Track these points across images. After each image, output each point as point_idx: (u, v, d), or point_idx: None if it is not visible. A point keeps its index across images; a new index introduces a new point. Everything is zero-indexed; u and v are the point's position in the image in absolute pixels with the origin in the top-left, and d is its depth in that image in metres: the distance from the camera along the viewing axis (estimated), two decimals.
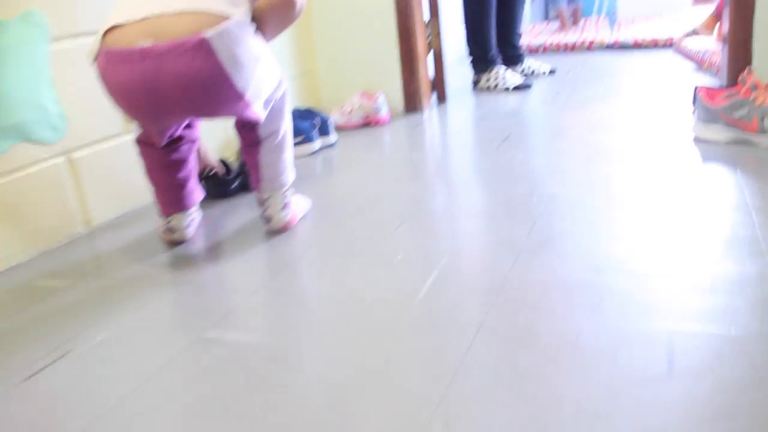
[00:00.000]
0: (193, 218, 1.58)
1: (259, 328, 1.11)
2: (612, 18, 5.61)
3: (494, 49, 3.21)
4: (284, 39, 2.65)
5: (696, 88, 2.14)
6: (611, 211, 1.47)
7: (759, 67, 2.35)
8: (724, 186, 1.56)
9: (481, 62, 3.20)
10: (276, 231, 1.56)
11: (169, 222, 1.53)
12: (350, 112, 2.65)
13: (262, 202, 1.55)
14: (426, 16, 2.85)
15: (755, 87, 1.88)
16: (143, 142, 1.50)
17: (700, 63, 3.19)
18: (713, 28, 3.47)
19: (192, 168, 1.56)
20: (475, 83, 3.26)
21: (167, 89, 1.26)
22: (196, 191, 1.58)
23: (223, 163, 1.91)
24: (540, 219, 1.47)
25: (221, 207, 1.80)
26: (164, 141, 1.46)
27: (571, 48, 4.33)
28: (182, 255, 1.49)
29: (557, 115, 2.48)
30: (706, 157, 1.80)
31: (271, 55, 1.42)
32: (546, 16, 6.15)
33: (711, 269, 1.15)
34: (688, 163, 1.77)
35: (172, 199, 1.52)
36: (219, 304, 1.21)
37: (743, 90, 1.90)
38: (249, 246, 1.49)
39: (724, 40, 2.49)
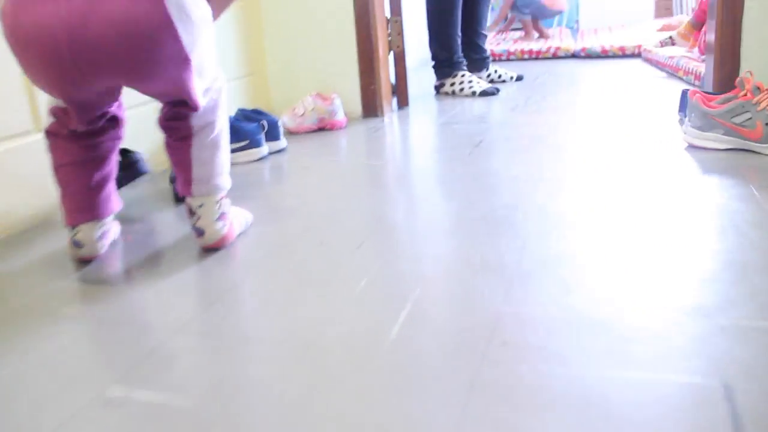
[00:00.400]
0: (107, 230, 1.30)
1: (180, 384, 0.84)
2: (574, 29, 5.48)
3: (459, 52, 2.98)
4: (230, 35, 2.38)
5: (686, 91, 1.93)
6: (613, 229, 1.24)
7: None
8: (736, 200, 1.34)
9: (445, 66, 2.97)
10: (209, 247, 1.29)
11: (75, 234, 1.25)
12: (303, 114, 2.38)
13: (192, 211, 1.28)
14: (387, 13, 2.61)
15: (758, 90, 1.68)
16: (54, 134, 1.22)
17: (674, 70, 3.03)
18: (690, 37, 3.31)
19: (111, 170, 1.29)
20: (438, 88, 3.04)
21: (98, 37, 1.01)
22: (114, 199, 1.30)
23: (124, 151, 1.62)
24: (530, 238, 1.22)
25: (144, 219, 1.52)
26: (84, 125, 1.19)
27: (535, 55, 4.16)
28: (91, 278, 1.21)
29: (531, 121, 2.26)
30: (706, 168, 1.59)
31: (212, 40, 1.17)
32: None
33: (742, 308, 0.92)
34: (687, 173, 1.56)
35: (81, 204, 1.24)
36: (130, 347, 0.94)
37: (743, 93, 1.70)
38: (175, 268, 1.22)
39: (709, 45, 2.31)
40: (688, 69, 2.82)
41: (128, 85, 1.16)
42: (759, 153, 1.68)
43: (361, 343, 0.90)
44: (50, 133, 1.23)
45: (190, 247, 1.31)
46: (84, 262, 1.27)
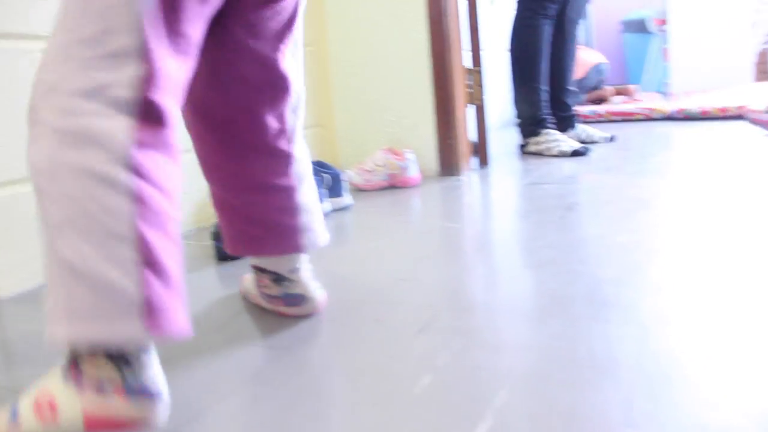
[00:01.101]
0: None
1: None
2: (665, 93, 5.16)
3: (545, 109, 2.73)
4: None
5: None
6: (756, 316, 0.93)
7: None
8: None
9: (529, 123, 2.72)
10: (312, 313, 1.06)
11: None
12: (372, 170, 2.16)
13: (283, 275, 1.04)
14: (467, 64, 2.39)
15: None
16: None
17: None
18: None
19: None
20: (522, 147, 2.78)
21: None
22: None
23: None
24: (651, 325, 0.93)
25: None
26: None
27: (626, 117, 3.86)
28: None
29: (631, 184, 1.96)
30: None
31: None
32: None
33: None
34: None
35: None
36: None
37: None
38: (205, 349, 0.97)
39: None
40: None
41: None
42: None
43: None
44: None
45: (209, 320, 1.07)
46: None
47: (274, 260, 1.02)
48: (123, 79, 0.69)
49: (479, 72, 2.38)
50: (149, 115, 0.71)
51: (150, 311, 0.65)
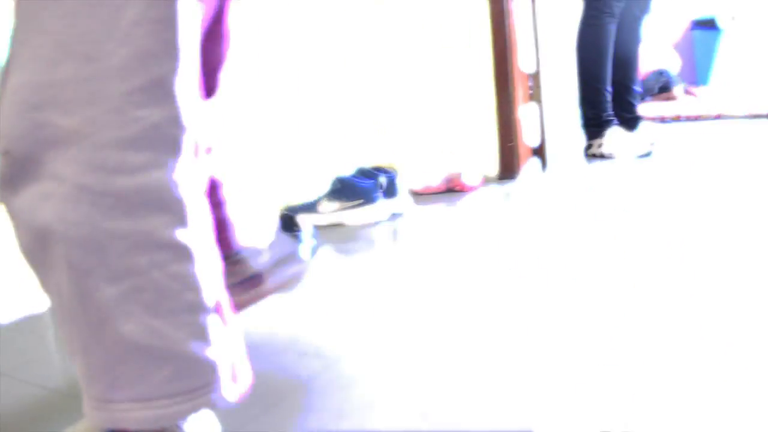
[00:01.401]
0: None
1: None
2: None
3: (609, 110, 2.65)
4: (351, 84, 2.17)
5: None
6: None
7: None
8: None
9: (592, 124, 2.64)
10: None
11: None
12: (430, 174, 2.12)
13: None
14: (533, 66, 2.33)
15: None
16: None
17: None
18: None
19: None
20: (587, 149, 2.70)
21: None
22: None
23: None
24: None
25: None
26: None
27: (692, 118, 3.73)
28: None
29: (715, 192, 1.86)
30: None
31: None
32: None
33: None
34: None
35: None
36: None
37: None
38: None
39: None
40: None
41: None
42: None
43: None
44: None
45: None
46: None
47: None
48: (172, 113, 0.57)
49: (538, 74, 2.33)
50: (198, 146, 0.61)
51: (232, 379, 0.62)
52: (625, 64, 2.73)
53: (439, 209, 1.93)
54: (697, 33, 5.17)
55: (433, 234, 1.61)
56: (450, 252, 1.43)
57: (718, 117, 3.69)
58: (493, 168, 2.26)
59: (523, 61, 2.29)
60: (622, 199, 1.82)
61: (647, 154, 2.50)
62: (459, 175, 2.11)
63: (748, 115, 3.57)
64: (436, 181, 2.11)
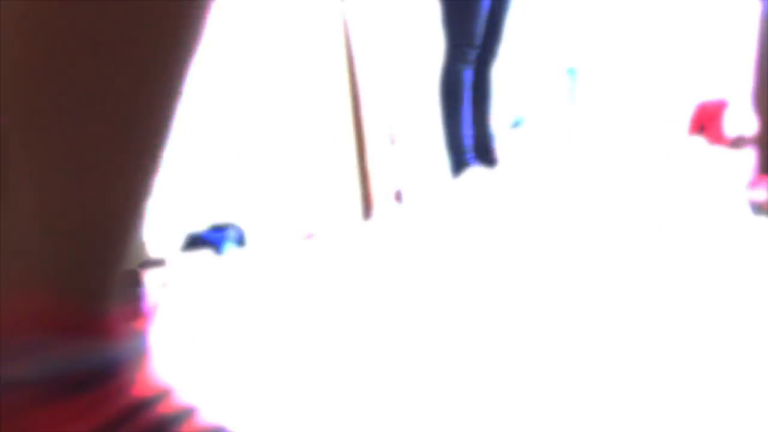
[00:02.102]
0: None
1: None
2: None
3: (470, 153, 2.79)
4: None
5: None
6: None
7: None
8: None
9: (456, 167, 2.77)
10: None
11: None
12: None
13: None
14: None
15: None
16: None
17: None
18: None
19: None
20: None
21: None
22: None
23: None
24: None
25: None
26: None
27: None
28: None
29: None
30: None
31: None
32: None
33: None
34: None
35: None
36: None
37: None
38: None
39: None
40: None
41: None
42: None
43: None
44: None
45: None
46: None
47: None
48: None
49: (399, 119, 2.45)
50: None
51: None
52: (483, 108, 2.89)
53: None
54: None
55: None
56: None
57: None
58: (352, 211, 2.34)
59: (380, 107, 2.39)
60: (477, 236, 1.90)
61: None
62: (316, 221, 2.17)
63: None
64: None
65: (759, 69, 1.70)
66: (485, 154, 2.93)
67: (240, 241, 1.86)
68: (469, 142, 2.80)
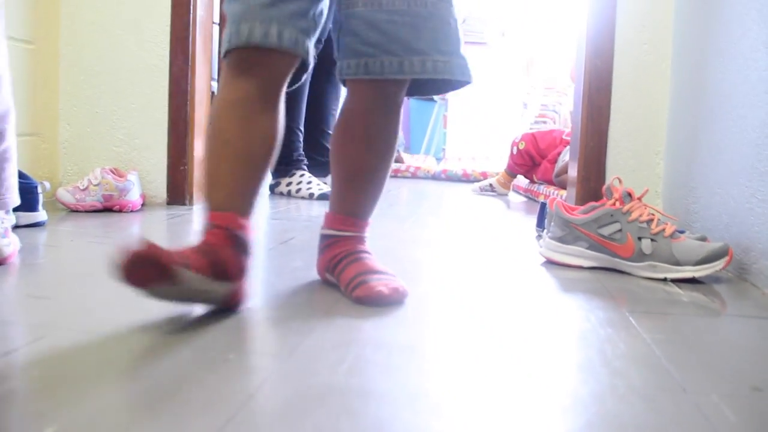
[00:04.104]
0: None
1: None
2: (439, 157, 5.33)
3: (300, 150, 2.62)
4: (16, 80, 1.89)
5: (545, 202, 1.61)
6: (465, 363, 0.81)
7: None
8: (606, 325, 0.97)
9: (282, 163, 2.57)
10: None
11: None
12: (85, 188, 1.89)
13: None
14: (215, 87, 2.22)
15: (629, 196, 1.36)
16: None
17: (536, 195, 2.80)
18: (508, 185, 3.09)
19: None
20: (273, 188, 2.64)
21: None
22: None
23: None
24: None
25: None
26: None
27: (393, 173, 3.88)
28: None
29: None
30: (566, 287, 1.23)
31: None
32: None
33: None
34: (545, 293, 1.18)
35: None
36: None
37: (611, 201, 1.38)
38: None
39: (572, 161, 2.06)
40: (548, 193, 2.58)
41: None
42: (629, 274, 1.34)
43: None
44: None
45: None
46: None
47: None
48: None
49: None
50: None
51: None
52: (322, 108, 2.73)
53: (88, 224, 1.70)
54: (413, 102, 5.47)
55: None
56: None
57: (413, 175, 3.88)
58: (162, 191, 2.09)
59: (208, 81, 2.17)
60: (285, 227, 1.74)
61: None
62: (119, 193, 1.90)
63: (442, 175, 3.81)
64: (92, 198, 1.88)
65: None
66: (319, 158, 2.76)
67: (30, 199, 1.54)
68: (300, 141, 2.63)
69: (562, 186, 2.72)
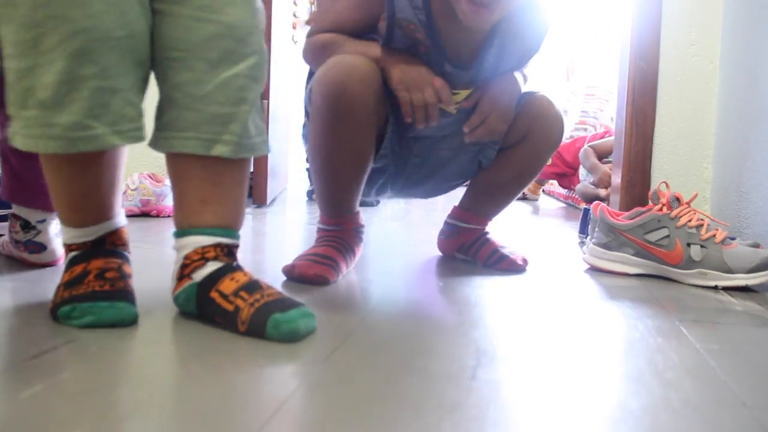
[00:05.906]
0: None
1: None
2: None
3: None
4: None
5: (589, 208, 1.56)
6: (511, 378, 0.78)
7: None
8: (655, 334, 0.92)
9: None
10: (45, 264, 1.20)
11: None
12: (123, 193, 1.90)
13: (31, 223, 1.21)
14: None
15: (677, 201, 1.31)
16: None
17: (576, 201, 2.75)
18: (537, 190, 3.14)
19: None
20: (311, 193, 2.64)
21: None
22: None
23: None
24: None
25: None
26: None
27: None
28: None
29: (409, 232, 1.83)
30: (612, 294, 1.18)
31: None
32: None
33: None
34: (590, 301, 1.14)
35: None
36: None
37: (658, 207, 1.33)
38: None
39: (616, 168, 2.00)
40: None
41: None
42: (677, 282, 1.29)
43: None
44: None
45: None
46: None
47: (26, 210, 1.17)
48: None
49: (265, 105, 2.22)
50: None
51: None
52: None
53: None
54: None
55: None
56: None
57: None
58: None
59: None
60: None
61: (372, 203, 2.49)
62: (156, 198, 1.90)
63: None
64: (129, 203, 1.89)
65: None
66: None
67: None
68: None
69: (584, 199, 2.71)
